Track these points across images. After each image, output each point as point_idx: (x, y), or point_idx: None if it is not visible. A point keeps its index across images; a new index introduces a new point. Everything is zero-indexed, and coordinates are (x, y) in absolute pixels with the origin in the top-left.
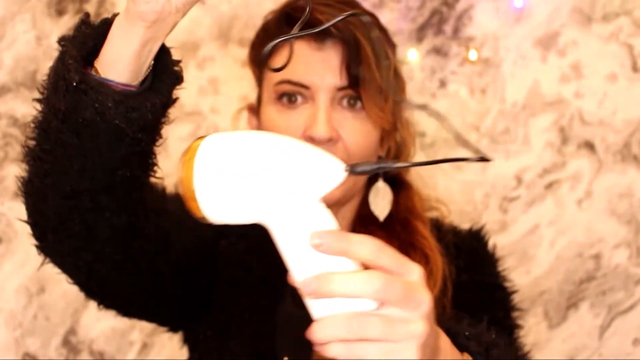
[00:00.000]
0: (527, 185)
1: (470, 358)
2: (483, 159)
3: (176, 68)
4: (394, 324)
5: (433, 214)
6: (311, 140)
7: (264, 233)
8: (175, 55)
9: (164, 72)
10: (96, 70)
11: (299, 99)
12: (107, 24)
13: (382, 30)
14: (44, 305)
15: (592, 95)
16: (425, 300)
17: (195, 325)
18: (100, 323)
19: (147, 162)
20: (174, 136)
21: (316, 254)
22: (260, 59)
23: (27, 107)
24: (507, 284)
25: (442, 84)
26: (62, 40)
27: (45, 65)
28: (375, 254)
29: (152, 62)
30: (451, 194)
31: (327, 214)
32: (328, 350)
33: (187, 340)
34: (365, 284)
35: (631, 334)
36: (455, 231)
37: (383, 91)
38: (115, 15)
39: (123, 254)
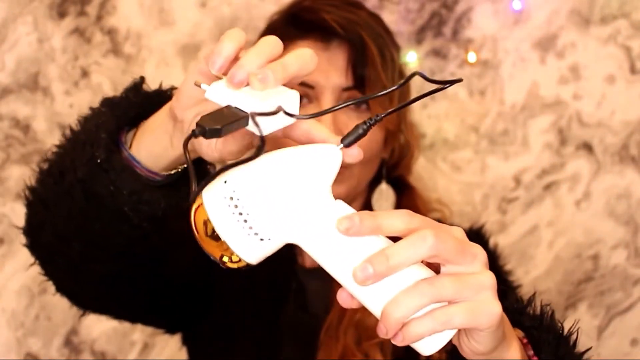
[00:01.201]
0: (526, 186)
1: (520, 332)
2: (454, 82)
3: (209, 169)
4: (462, 277)
5: (435, 216)
6: None
7: None
8: (177, 57)
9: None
10: (134, 135)
11: (304, 99)
12: (158, 95)
13: (387, 31)
14: (46, 306)
15: (590, 97)
16: (480, 251)
17: (197, 328)
18: (102, 323)
19: (149, 239)
20: None
21: (352, 245)
22: None
23: (29, 109)
24: (511, 279)
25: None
26: (104, 105)
27: (46, 67)
28: (408, 220)
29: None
30: (450, 194)
31: (344, 204)
32: (412, 332)
33: (186, 342)
34: (419, 243)
35: (629, 334)
36: None
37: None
38: (173, 89)
39: (110, 283)
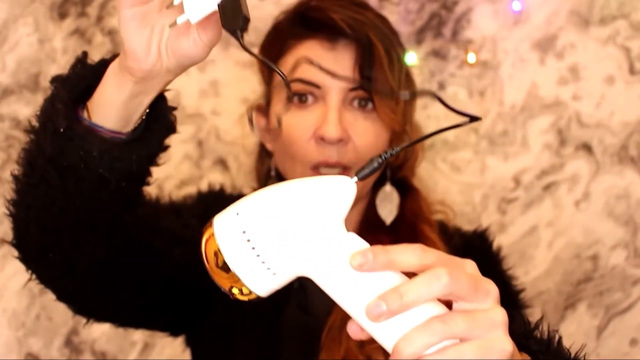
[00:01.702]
0: (525, 186)
1: (527, 357)
2: (473, 119)
3: (170, 117)
4: (474, 315)
5: (437, 217)
6: (321, 140)
7: None
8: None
9: (156, 121)
10: (88, 110)
11: (310, 98)
12: (104, 64)
13: (393, 32)
14: (47, 306)
15: (589, 98)
16: (492, 287)
17: (197, 329)
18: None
19: (133, 204)
20: (175, 138)
21: (365, 280)
22: (271, 57)
23: (29, 110)
24: (514, 282)
25: (441, 86)
26: (54, 81)
27: (47, 68)
28: (422, 256)
29: (147, 110)
30: (450, 195)
31: (357, 237)
32: None
33: (189, 344)
34: (433, 282)
35: (628, 334)
36: (461, 233)
37: (394, 92)
38: (114, 56)
39: (107, 282)
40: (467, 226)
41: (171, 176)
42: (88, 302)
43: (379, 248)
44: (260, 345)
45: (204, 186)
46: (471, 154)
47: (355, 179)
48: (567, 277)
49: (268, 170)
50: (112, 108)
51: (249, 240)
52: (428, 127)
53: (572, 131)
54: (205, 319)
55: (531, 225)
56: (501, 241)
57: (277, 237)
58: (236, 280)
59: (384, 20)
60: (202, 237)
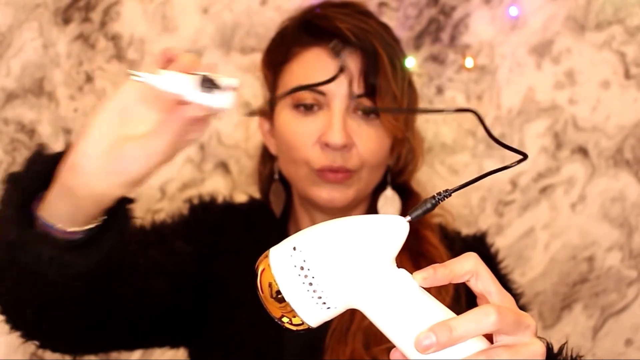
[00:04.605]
0: (522, 189)
1: None
2: (520, 160)
3: (128, 213)
4: (516, 348)
5: (437, 221)
6: (326, 145)
7: (256, 247)
8: None
9: (113, 220)
10: (44, 204)
11: (315, 105)
12: (57, 161)
13: (396, 41)
14: None
15: (585, 102)
16: (532, 322)
17: (197, 342)
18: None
19: (108, 278)
20: None
21: (414, 313)
22: (275, 63)
23: (34, 114)
24: (513, 286)
25: (439, 90)
26: (10, 180)
27: (51, 73)
28: (479, 263)
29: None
30: (448, 198)
31: (407, 273)
32: None
33: (190, 355)
34: (483, 319)
35: (623, 335)
36: (461, 238)
37: (397, 100)
38: (69, 146)
39: (94, 333)
40: (465, 228)
41: (173, 179)
42: (81, 349)
43: (439, 265)
44: (260, 349)
45: (205, 189)
46: (469, 157)
47: (409, 218)
48: (563, 279)
49: (270, 173)
50: (61, 212)
51: (306, 276)
52: (427, 131)
53: (568, 135)
54: (204, 331)
55: (528, 227)
56: (498, 243)
57: (333, 273)
58: (289, 310)
59: (387, 29)
60: (258, 268)
